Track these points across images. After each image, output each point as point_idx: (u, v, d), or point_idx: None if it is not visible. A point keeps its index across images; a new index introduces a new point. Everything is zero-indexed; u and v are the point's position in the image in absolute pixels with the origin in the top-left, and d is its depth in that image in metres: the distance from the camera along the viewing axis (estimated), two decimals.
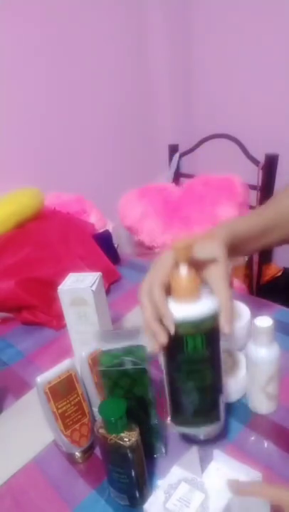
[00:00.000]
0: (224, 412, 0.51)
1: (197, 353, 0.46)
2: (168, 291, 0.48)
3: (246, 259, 1.47)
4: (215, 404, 0.49)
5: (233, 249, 0.54)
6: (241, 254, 0.61)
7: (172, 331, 0.45)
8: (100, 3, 1.49)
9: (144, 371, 0.48)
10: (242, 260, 1.44)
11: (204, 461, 0.46)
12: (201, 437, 0.54)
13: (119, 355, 0.49)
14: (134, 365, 0.48)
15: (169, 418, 0.52)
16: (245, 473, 0.43)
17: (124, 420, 0.44)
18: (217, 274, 0.49)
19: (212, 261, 0.50)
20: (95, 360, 0.54)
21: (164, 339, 0.45)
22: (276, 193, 0.69)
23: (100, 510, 0.49)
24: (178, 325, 0.45)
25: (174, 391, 0.49)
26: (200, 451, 0.47)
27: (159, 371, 0.52)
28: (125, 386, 0.49)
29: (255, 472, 0.43)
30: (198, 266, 0.48)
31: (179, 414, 0.50)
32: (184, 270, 0.46)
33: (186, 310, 0.45)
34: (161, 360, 0.48)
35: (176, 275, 0.46)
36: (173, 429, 0.53)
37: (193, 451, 0.47)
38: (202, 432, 0.50)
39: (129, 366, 0.48)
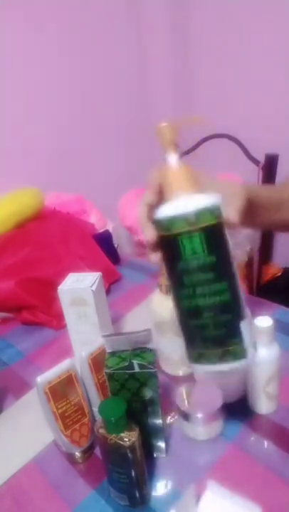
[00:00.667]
0: (254, 347, 0.42)
1: (197, 258, 0.38)
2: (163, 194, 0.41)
3: (246, 258, 1.47)
4: (233, 329, 0.39)
5: (249, 212, 0.50)
6: (253, 223, 0.58)
7: (144, 211, 0.39)
8: (99, 4, 1.49)
9: (152, 374, 0.48)
10: (242, 259, 1.43)
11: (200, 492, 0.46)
12: (227, 385, 0.46)
13: (126, 357, 0.48)
14: (142, 369, 0.47)
15: (186, 355, 0.44)
16: (242, 505, 0.42)
17: (124, 420, 0.44)
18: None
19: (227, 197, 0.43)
20: (95, 360, 0.54)
21: (151, 235, 0.39)
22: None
23: (100, 510, 0.49)
24: (168, 221, 0.38)
25: (182, 315, 0.41)
26: (194, 485, 0.46)
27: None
28: (132, 389, 0.49)
29: (253, 505, 0.42)
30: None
31: (192, 345, 0.41)
32: (172, 158, 0.39)
33: (178, 204, 0.38)
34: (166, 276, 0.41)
35: (164, 168, 0.39)
36: (192, 369, 0.46)
37: (189, 493, 0.45)
38: (225, 369, 0.40)
39: (137, 369, 0.47)
